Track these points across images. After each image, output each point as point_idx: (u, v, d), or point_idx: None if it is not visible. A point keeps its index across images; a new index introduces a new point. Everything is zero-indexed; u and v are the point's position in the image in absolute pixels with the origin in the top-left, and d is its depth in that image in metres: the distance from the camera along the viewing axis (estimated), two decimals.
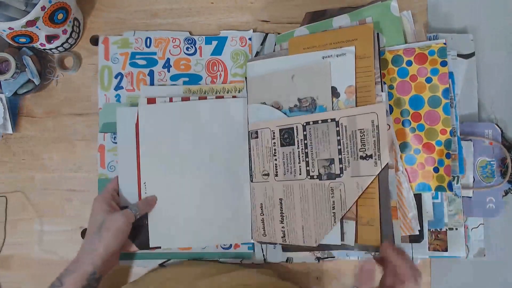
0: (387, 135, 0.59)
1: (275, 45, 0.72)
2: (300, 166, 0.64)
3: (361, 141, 0.60)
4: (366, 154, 0.59)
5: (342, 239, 0.61)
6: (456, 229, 0.67)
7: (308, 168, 0.63)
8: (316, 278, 0.72)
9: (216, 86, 0.72)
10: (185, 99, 0.71)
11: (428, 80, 0.62)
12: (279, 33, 0.73)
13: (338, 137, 0.61)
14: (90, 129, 0.74)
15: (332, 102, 0.62)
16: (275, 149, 0.66)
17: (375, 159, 0.59)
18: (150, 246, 0.69)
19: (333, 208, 0.61)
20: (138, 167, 0.69)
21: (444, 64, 0.61)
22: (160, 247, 0.70)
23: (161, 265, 0.71)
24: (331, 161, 0.61)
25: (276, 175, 0.66)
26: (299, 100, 0.64)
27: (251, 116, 0.69)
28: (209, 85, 0.72)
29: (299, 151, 0.64)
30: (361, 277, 0.56)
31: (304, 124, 0.63)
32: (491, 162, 0.70)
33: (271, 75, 0.68)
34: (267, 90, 0.68)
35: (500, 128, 0.71)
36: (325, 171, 0.62)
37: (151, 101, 0.70)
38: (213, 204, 0.69)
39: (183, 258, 0.71)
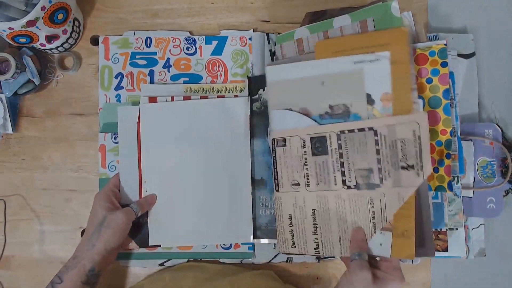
0: (429, 145, 0.57)
1: (275, 45, 0.72)
2: (335, 176, 0.62)
3: (401, 151, 0.58)
4: (408, 165, 0.57)
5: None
6: (457, 229, 0.67)
7: (344, 178, 0.61)
8: (316, 278, 0.72)
9: (217, 85, 0.72)
10: (186, 98, 0.71)
11: (429, 80, 0.62)
12: (279, 33, 0.73)
13: (377, 147, 0.59)
14: (90, 129, 0.74)
15: (369, 110, 0.60)
16: (306, 158, 0.64)
17: (417, 169, 0.57)
18: (150, 244, 0.69)
19: (373, 218, 0.59)
20: (139, 166, 0.70)
21: (444, 65, 0.61)
22: (159, 246, 0.70)
23: (161, 265, 0.71)
24: (370, 170, 0.59)
25: (308, 185, 0.64)
26: (331, 107, 0.62)
27: (275, 122, 0.66)
28: (210, 84, 0.72)
29: (333, 161, 0.62)
30: (353, 245, 0.58)
31: (339, 132, 0.61)
32: (492, 162, 0.70)
33: (298, 80, 0.65)
34: (293, 95, 0.65)
35: (500, 128, 0.71)
36: (363, 181, 0.60)
37: (152, 100, 0.70)
38: (214, 204, 0.69)
39: (183, 258, 0.71)
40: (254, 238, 0.70)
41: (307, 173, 0.64)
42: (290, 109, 0.65)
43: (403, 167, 0.58)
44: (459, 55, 0.71)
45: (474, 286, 0.73)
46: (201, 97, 0.71)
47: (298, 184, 0.64)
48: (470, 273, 0.72)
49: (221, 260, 0.71)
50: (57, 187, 0.74)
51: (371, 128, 0.60)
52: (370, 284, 0.53)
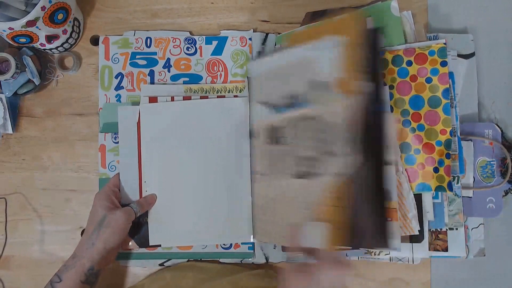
0: (362, 129, 0.55)
1: (275, 45, 0.72)
2: (289, 165, 0.63)
3: (341, 137, 0.57)
4: (342, 151, 0.57)
5: None
6: (456, 229, 0.67)
7: (296, 167, 0.62)
8: None
9: (217, 86, 0.72)
10: (186, 98, 0.71)
11: (428, 80, 0.62)
12: (279, 33, 0.73)
13: (321, 134, 0.59)
14: (90, 129, 0.74)
15: (320, 97, 0.60)
16: (269, 149, 0.66)
17: (351, 156, 0.56)
18: (150, 244, 0.69)
19: (312, 207, 0.59)
20: (139, 166, 0.70)
21: (444, 64, 0.61)
22: (160, 246, 0.70)
23: (161, 265, 0.71)
24: (314, 159, 0.60)
25: (269, 175, 0.66)
26: (290, 96, 0.63)
27: (252, 116, 0.70)
28: (210, 84, 0.72)
29: (288, 150, 0.63)
30: (289, 245, 0.59)
31: (290, 122, 0.62)
32: (491, 162, 0.70)
33: (265, 74, 0.68)
34: (263, 89, 0.68)
35: (500, 128, 0.71)
36: (309, 169, 0.60)
37: (152, 100, 0.70)
38: (214, 204, 0.69)
39: (183, 258, 0.71)
40: (254, 237, 0.70)
41: (268, 163, 0.66)
42: (266, 102, 0.67)
43: (330, 154, 0.57)
44: (459, 55, 0.71)
45: (474, 285, 0.73)
46: (201, 97, 0.71)
47: (264, 174, 0.66)
48: (470, 273, 0.72)
49: (221, 260, 0.71)
50: (57, 187, 0.74)
51: (316, 116, 0.60)
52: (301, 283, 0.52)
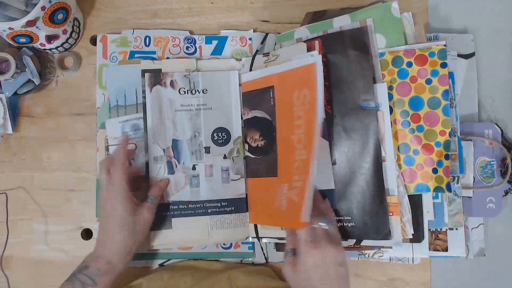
0: None
1: (275, 44, 0.72)
2: None
3: None
4: None
5: None
6: (456, 229, 0.67)
7: None
8: None
9: None
10: None
11: (428, 81, 0.62)
12: (279, 33, 0.73)
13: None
14: (90, 129, 0.74)
15: None
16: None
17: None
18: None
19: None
20: None
21: (444, 65, 0.61)
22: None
23: (161, 265, 0.71)
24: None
25: None
26: None
27: None
28: None
29: None
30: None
31: None
32: (491, 162, 0.70)
33: None
34: None
35: (500, 128, 0.71)
36: None
37: None
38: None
39: (183, 258, 0.71)
40: (253, 237, 0.70)
41: None
42: None
43: None
44: (459, 55, 0.71)
45: (473, 286, 0.73)
46: None
47: None
48: (470, 273, 0.72)
49: (221, 260, 0.71)
50: (57, 187, 0.74)
51: None
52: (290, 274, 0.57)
